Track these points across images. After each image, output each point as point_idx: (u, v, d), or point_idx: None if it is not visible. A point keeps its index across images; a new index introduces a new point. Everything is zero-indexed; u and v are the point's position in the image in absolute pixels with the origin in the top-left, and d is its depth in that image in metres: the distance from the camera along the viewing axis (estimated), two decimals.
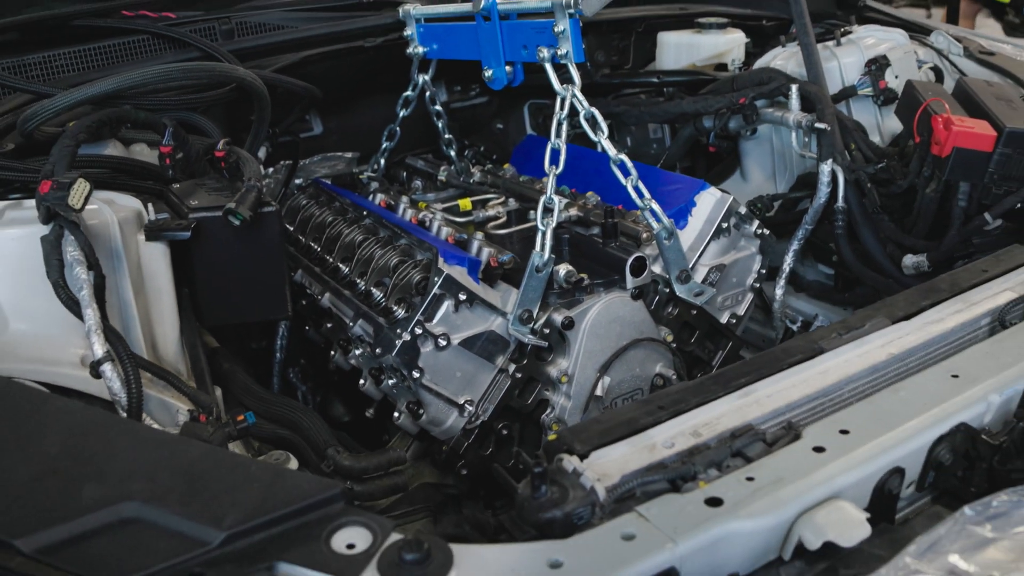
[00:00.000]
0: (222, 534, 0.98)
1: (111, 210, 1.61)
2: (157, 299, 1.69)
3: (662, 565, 1.01)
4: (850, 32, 2.60)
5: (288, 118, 2.40)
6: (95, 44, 2.24)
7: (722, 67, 2.73)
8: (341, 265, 2.11)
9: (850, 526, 1.07)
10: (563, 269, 1.88)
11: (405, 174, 2.75)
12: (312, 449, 1.78)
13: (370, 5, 2.59)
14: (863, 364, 1.39)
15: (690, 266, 2.01)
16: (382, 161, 2.61)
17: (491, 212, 2.28)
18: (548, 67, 1.93)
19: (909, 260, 2.10)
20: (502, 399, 1.89)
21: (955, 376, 1.33)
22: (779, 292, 2.37)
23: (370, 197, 2.41)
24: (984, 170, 1.98)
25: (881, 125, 2.49)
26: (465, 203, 2.34)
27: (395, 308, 1.87)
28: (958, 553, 1.05)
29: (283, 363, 2.34)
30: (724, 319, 2.15)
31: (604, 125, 1.93)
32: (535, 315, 1.85)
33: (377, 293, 1.95)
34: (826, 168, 2.22)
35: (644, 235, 2.03)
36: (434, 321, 1.80)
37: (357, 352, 2.01)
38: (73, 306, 1.43)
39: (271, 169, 2.46)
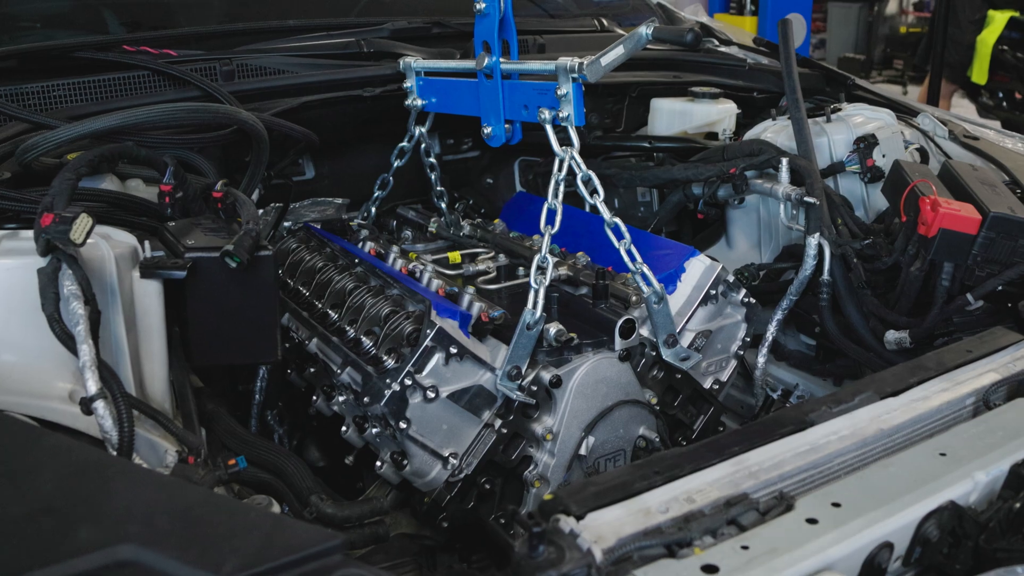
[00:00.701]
0: None
1: (108, 245, 1.61)
2: (148, 337, 1.69)
3: None
4: (840, 109, 2.67)
5: (282, 161, 2.41)
6: (95, 77, 2.24)
7: (712, 136, 2.78)
8: (330, 311, 2.11)
9: None
10: (553, 328, 1.89)
11: (395, 223, 2.77)
12: (295, 495, 1.77)
13: (370, 55, 2.62)
14: (852, 438, 1.40)
15: (677, 331, 2.03)
16: (373, 209, 2.63)
17: (481, 267, 2.29)
18: (549, 128, 1.97)
19: (892, 336, 2.13)
20: (486, 454, 1.89)
21: (943, 454, 1.35)
22: (761, 360, 2.40)
23: (360, 244, 2.41)
24: (968, 252, 2.03)
25: (867, 201, 2.54)
26: (455, 256, 2.35)
27: (385, 358, 1.87)
28: None
29: (262, 405, 2.33)
30: (707, 384, 2.17)
31: (600, 188, 1.96)
32: (523, 372, 1.86)
33: (367, 342, 1.95)
34: (813, 241, 2.26)
35: (633, 298, 2.05)
36: (424, 373, 1.80)
37: (340, 399, 2.00)
38: (68, 341, 1.42)
39: (261, 211, 2.46)
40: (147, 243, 1.70)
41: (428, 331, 1.80)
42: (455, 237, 2.55)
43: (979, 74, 7.71)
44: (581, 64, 1.89)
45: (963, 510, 1.26)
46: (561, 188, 1.94)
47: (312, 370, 2.14)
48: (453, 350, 1.82)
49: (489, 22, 2.06)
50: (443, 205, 2.63)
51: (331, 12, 3.19)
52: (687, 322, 2.10)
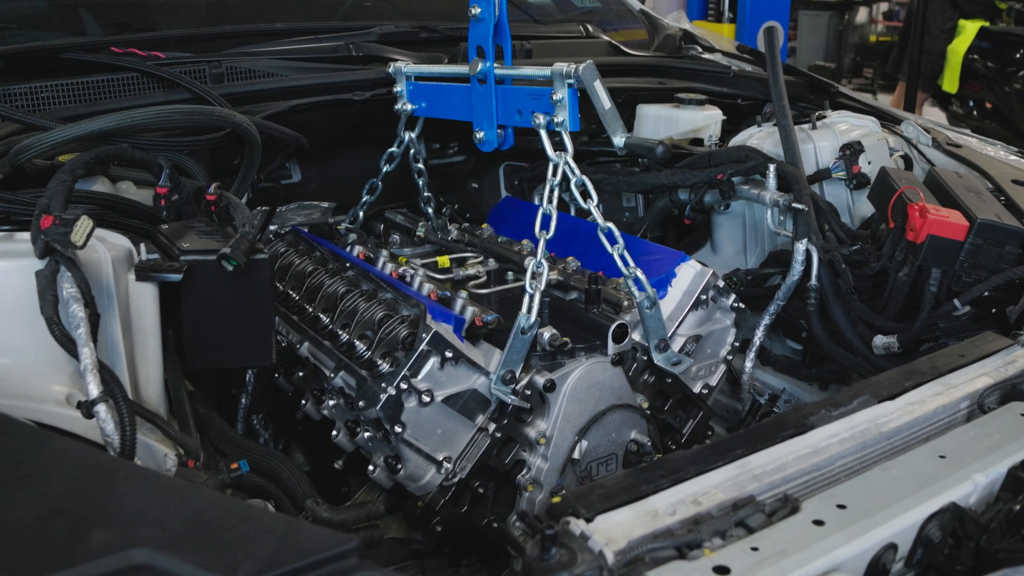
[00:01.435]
0: None
1: (104, 248, 1.60)
2: (142, 340, 1.67)
3: None
4: (825, 116, 2.69)
5: (271, 165, 2.40)
6: (83, 79, 2.22)
7: (698, 142, 2.80)
8: (322, 315, 2.11)
9: None
10: (547, 332, 1.90)
11: (382, 227, 2.76)
12: (290, 499, 1.76)
13: (359, 59, 2.61)
14: (852, 441, 1.42)
15: (668, 335, 2.04)
16: (361, 214, 2.62)
17: (471, 271, 2.29)
18: (543, 133, 1.97)
19: (880, 340, 2.16)
20: (480, 458, 1.89)
21: (942, 457, 1.37)
22: (748, 365, 2.41)
23: (348, 248, 2.41)
24: (955, 258, 2.05)
25: (852, 208, 2.57)
26: (443, 260, 2.35)
27: (380, 362, 1.87)
28: None
29: (248, 409, 2.32)
30: (697, 389, 2.18)
31: (594, 193, 1.97)
32: (518, 376, 1.86)
33: (361, 346, 1.94)
34: (801, 247, 2.29)
35: (625, 303, 2.06)
36: (419, 377, 1.80)
37: (331, 403, 2.00)
38: (67, 344, 1.41)
39: None
40: (142, 246, 1.69)
41: (424, 335, 1.80)
42: (443, 241, 2.55)
43: (950, 83, 7.82)
44: (577, 69, 1.90)
45: (964, 511, 1.28)
46: (556, 193, 1.95)
47: (301, 374, 2.13)
48: (448, 354, 1.82)
49: (484, 27, 2.06)
50: (430, 210, 2.63)
51: (313, 16, 3.18)
52: (678, 327, 2.11)
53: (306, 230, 2.54)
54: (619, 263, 1.97)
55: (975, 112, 7.91)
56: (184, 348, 1.75)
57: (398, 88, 2.41)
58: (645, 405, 2.05)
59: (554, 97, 1.94)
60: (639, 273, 1.97)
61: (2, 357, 1.52)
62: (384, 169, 2.53)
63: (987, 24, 7.85)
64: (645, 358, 2.05)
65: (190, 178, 2.03)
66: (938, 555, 1.28)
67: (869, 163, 2.52)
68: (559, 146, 1.97)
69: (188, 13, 3.05)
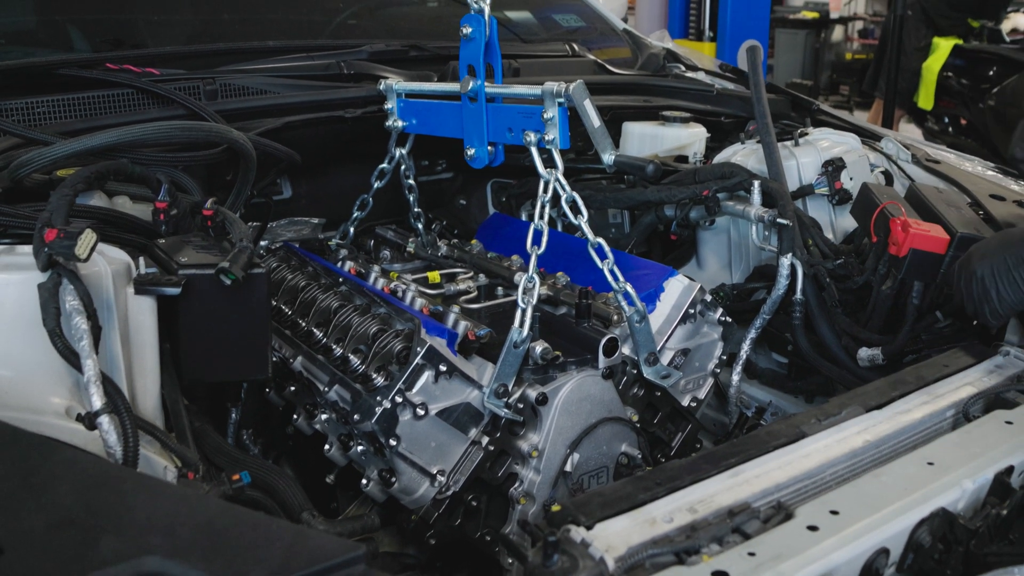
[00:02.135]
0: None
1: (105, 261, 1.61)
2: (140, 353, 1.69)
3: None
4: (807, 134, 2.74)
5: (263, 180, 2.42)
6: (78, 94, 2.24)
7: (683, 159, 2.84)
8: (315, 330, 2.12)
9: None
10: (539, 346, 1.93)
11: (372, 243, 2.78)
12: (286, 512, 1.77)
13: (350, 77, 2.64)
14: (842, 449, 1.46)
15: (657, 349, 2.07)
16: (351, 230, 2.64)
17: (462, 286, 2.32)
18: (534, 151, 2.01)
19: (864, 353, 2.20)
20: (473, 471, 1.91)
21: (930, 464, 1.41)
22: (735, 378, 2.45)
23: (339, 264, 2.43)
24: (937, 271, 2.10)
25: (834, 223, 2.62)
26: (434, 276, 2.37)
27: (375, 375, 1.89)
28: None
29: (239, 423, 2.32)
30: (685, 402, 2.21)
31: (584, 209, 2.00)
32: (510, 389, 1.89)
33: (355, 360, 1.96)
34: (786, 262, 2.33)
35: (614, 317, 2.09)
36: (414, 390, 1.82)
37: (323, 417, 2.01)
38: (70, 356, 1.43)
39: None
40: (141, 260, 1.70)
41: (419, 349, 1.82)
42: (433, 257, 2.58)
43: (925, 100, 7.92)
44: (567, 88, 1.93)
45: (953, 516, 1.31)
46: (547, 209, 1.98)
47: (293, 389, 2.15)
48: (443, 368, 1.84)
49: (475, 46, 2.09)
50: (420, 225, 2.66)
51: (301, 35, 3.22)
52: (667, 340, 2.14)
53: (297, 245, 2.56)
54: (609, 278, 2.00)
55: (950, 128, 8.01)
56: (181, 361, 1.76)
57: (389, 105, 2.44)
58: (635, 418, 2.08)
59: (545, 115, 1.97)
60: (629, 287, 2.00)
61: (2, 369, 1.53)
62: (375, 185, 2.56)
63: (961, 42, 7.97)
64: (635, 371, 2.08)
65: (186, 193, 2.05)
66: (929, 559, 1.31)
67: (851, 179, 2.57)
68: (549, 163, 2.00)
69: (178, 31, 3.07)
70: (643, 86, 3.10)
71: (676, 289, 2.19)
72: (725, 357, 2.26)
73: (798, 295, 2.33)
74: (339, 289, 2.20)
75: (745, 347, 2.45)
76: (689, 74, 3.35)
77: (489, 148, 2.18)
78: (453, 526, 1.93)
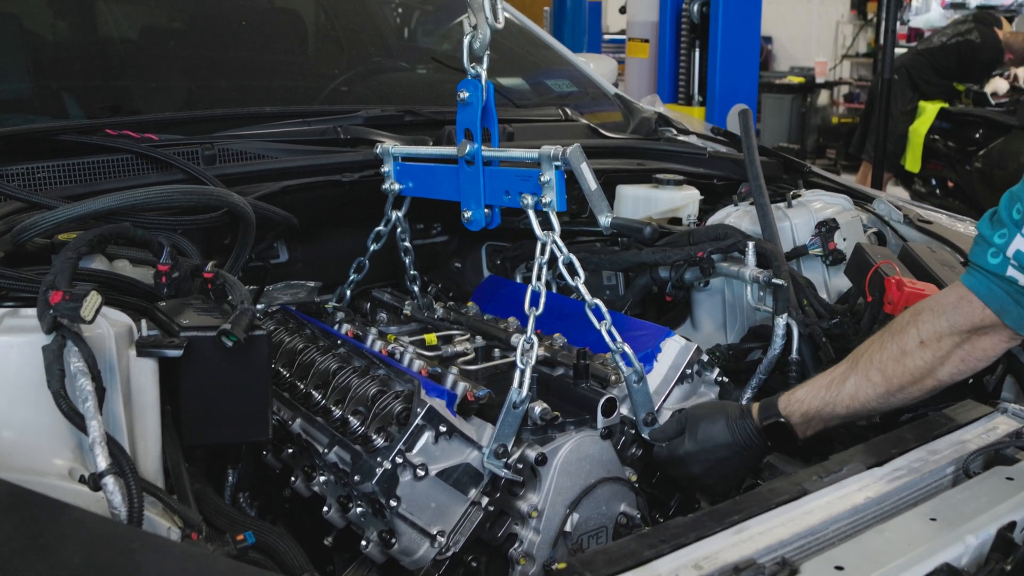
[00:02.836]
0: None
1: (108, 323, 1.62)
2: (142, 415, 1.69)
3: None
4: (800, 195, 2.79)
5: (261, 244, 2.44)
6: (79, 160, 2.27)
7: (676, 221, 2.87)
8: (314, 392, 2.13)
9: None
10: (538, 407, 1.94)
11: (369, 306, 2.80)
12: (287, 574, 1.76)
13: (347, 142, 2.68)
14: (844, 506, 1.47)
15: (656, 409, 2.08)
16: (348, 292, 2.66)
17: (459, 348, 2.33)
18: (531, 214, 2.03)
19: None
20: (473, 531, 1.90)
21: (933, 519, 1.42)
22: None
23: (336, 326, 2.44)
24: None
25: (828, 283, 2.65)
26: (431, 338, 2.39)
27: (374, 437, 1.89)
28: None
29: (236, 486, 2.32)
30: None
31: (581, 271, 2.02)
32: (510, 450, 1.89)
33: (355, 421, 1.96)
34: (782, 322, 2.35)
35: (612, 377, 2.10)
36: (414, 451, 1.82)
37: (322, 479, 2.01)
38: (75, 417, 1.43)
39: None
40: (144, 322, 1.71)
41: (419, 409, 1.82)
42: (429, 319, 2.59)
43: (912, 163, 8.04)
44: (564, 152, 1.97)
45: (958, 572, 1.31)
46: (544, 271, 2.00)
47: (291, 451, 2.14)
48: (443, 428, 1.84)
49: (472, 111, 2.13)
50: (416, 288, 2.67)
51: (294, 101, 3.26)
52: (664, 400, 2.15)
53: (294, 308, 2.57)
54: (606, 338, 2.02)
55: (938, 191, 8.12)
56: (182, 423, 1.76)
57: (385, 168, 2.47)
58: (633, 478, 2.08)
59: (542, 179, 2.00)
60: (627, 347, 2.02)
61: (5, 431, 1.53)
62: (371, 248, 2.58)
63: (946, 105, 8.11)
64: (633, 432, 2.09)
65: (185, 256, 2.06)
66: None
67: (844, 239, 2.60)
68: (546, 225, 2.03)
69: (173, 97, 3.12)
70: (636, 149, 3.15)
71: (673, 349, 2.20)
72: None
73: (794, 354, 2.35)
74: (337, 351, 2.21)
75: None
76: (681, 137, 3.40)
77: (486, 211, 2.21)
78: None
